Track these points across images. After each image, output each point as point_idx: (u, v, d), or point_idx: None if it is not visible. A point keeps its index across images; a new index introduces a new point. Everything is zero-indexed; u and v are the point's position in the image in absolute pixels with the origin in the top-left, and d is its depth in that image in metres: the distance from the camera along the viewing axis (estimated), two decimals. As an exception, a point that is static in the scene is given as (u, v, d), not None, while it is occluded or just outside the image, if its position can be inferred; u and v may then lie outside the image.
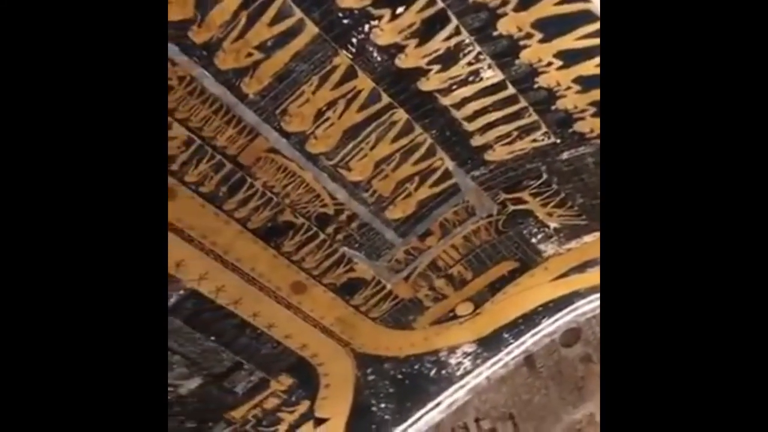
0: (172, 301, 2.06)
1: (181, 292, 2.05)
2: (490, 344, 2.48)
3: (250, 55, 1.72)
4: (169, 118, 1.76)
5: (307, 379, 2.39)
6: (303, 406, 2.46)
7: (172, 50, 1.66)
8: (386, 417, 2.57)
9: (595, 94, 1.82)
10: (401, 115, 1.89)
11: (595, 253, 2.21)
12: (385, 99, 1.85)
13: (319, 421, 2.51)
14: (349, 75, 1.79)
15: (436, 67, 1.79)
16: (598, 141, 1.91)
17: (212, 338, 2.18)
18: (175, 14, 1.62)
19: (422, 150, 1.97)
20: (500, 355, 2.47)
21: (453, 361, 2.51)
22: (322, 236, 2.07)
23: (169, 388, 2.25)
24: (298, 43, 1.72)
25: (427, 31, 1.73)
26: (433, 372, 2.53)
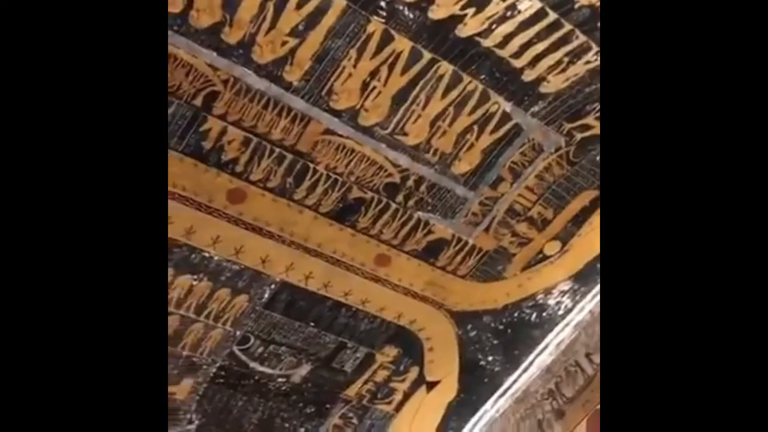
0: (266, 296, 2.13)
1: (273, 286, 2.11)
2: (585, 278, 2.43)
3: (284, 43, 1.72)
4: (223, 122, 1.80)
5: (410, 346, 2.43)
6: (413, 373, 2.50)
7: (210, 56, 1.69)
8: (496, 369, 2.58)
9: None
10: (446, 67, 1.85)
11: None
12: (427, 55, 1.82)
13: (432, 385, 2.55)
14: (386, 40, 1.77)
15: (470, 11, 1.74)
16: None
17: (311, 324, 2.24)
18: (205, 21, 1.65)
19: (475, 98, 1.92)
20: (598, 287, 2.41)
21: (552, 301, 2.48)
22: (393, 206, 2.07)
23: (282, 379, 2.35)
24: (328, 20, 1.71)
25: (453, -24, 1.69)
26: (533, 316, 2.50)
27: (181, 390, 2.23)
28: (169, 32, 1.63)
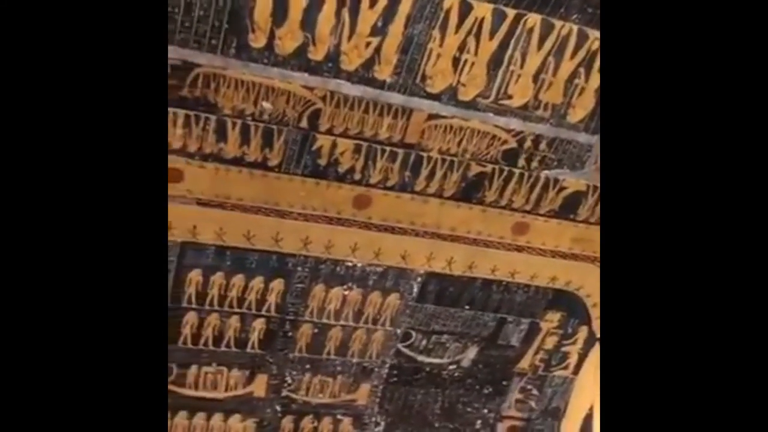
0: (415, 290, 2.17)
1: (418, 279, 2.14)
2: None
3: (368, 44, 1.74)
4: (331, 136, 1.86)
5: (573, 307, 2.35)
6: (582, 333, 2.42)
7: (303, 77, 1.75)
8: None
9: None
10: (534, 19, 1.77)
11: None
12: (510, 12, 1.75)
13: (605, 341, 2.46)
14: (465, 11, 1.73)
15: (542, -45, 1.66)
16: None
17: (466, 307, 2.24)
18: (289, 46, 1.70)
19: (572, 41, 1.83)
20: None
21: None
22: (517, 171, 2.02)
23: (452, 366, 2.37)
24: (404, 9, 1.71)
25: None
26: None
27: (360, 396, 2.32)
28: (261, 66, 1.71)
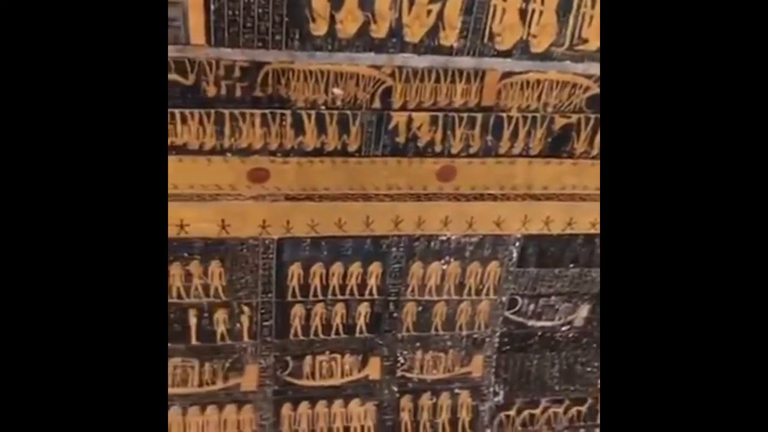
0: (514, 256, 2.12)
1: (516, 243, 2.09)
2: None
3: (429, 12, 1.70)
4: (405, 112, 1.84)
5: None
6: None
7: (369, 57, 1.73)
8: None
9: None
10: (600, -47, 1.68)
11: None
12: (573, -49, 1.67)
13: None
14: (524, -42, 1.66)
15: None
16: None
17: (571, 266, 2.17)
18: (351, 28, 1.69)
19: (645, -32, 1.71)
20: None
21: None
22: (604, 117, 1.93)
23: (565, 327, 2.30)
24: (460, -31, 1.66)
25: None
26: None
27: (475, 367, 2.30)
28: (326, 53, 1.71)
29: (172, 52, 1.64)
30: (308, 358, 2.15)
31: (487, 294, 2.18)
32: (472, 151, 1.92)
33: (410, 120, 1.85)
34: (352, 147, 1.86)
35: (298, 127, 1.81)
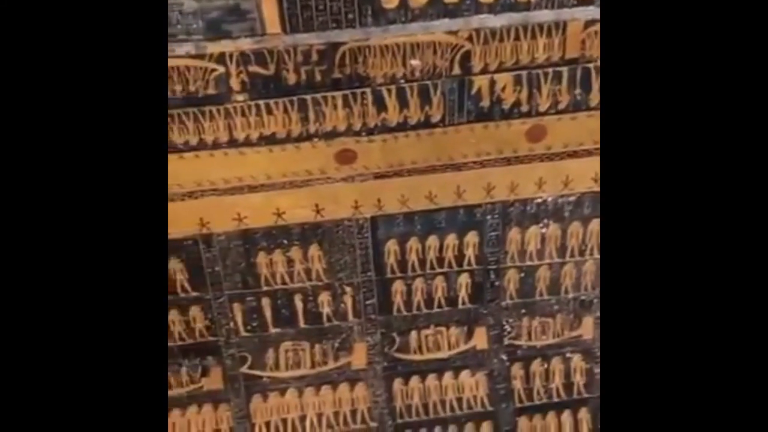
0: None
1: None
2: None
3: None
4: (487, 75, 1.79)
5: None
6: None
7: (443, 23, 1.70)
8: None
9: None
10: None
11: None
12: None
13: None
14: None
15: None
16: None
17: (679, 216, 2.06)
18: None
19: None
20: None
21: None
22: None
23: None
24: None
25: None
26: None
27: (585, 330, 2.23)
28: (400, 25, 1.69)
29: (250, 44, 1.67)
30: (413, 333, 2.16)
31: (591, 254, 2.10)
32: (560, 107, 1.85)
33: (493, 82, 1.80)
34: (436, 117, 1.84)
35: (380, 104, 1.80)
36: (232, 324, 2.05)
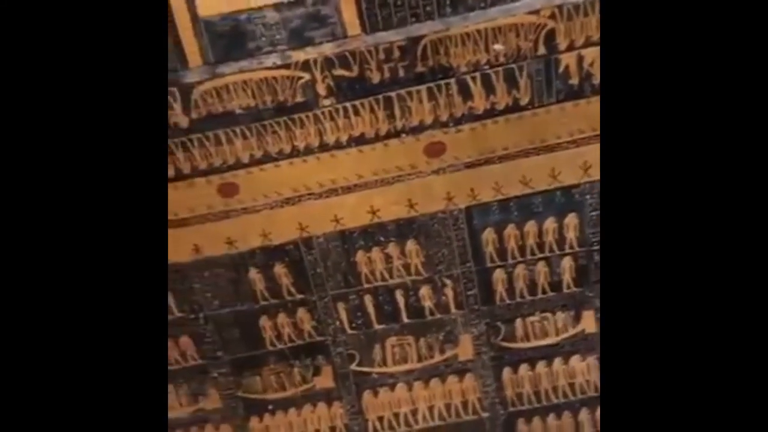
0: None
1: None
2: None
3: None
4: (573, 52, 1.73)
5: None
6: None
7: (524, 4, 1.66)
8: None
9: None
10: None
11: None
12: None
13: None
14: None
15: None
16: None
17: None
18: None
19: None
20: None
21: None
22: None
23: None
24: None
25: None
26: None
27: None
28: (480, 11, 1.67)
29: (333, 48, 1.70)
30: (518, 321, 2.13)
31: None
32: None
33: (581, 58, 1.74)
34: (524, 100, 1.80)
35: (465, 93, 1.79)
36: (338, 323, 2.09)
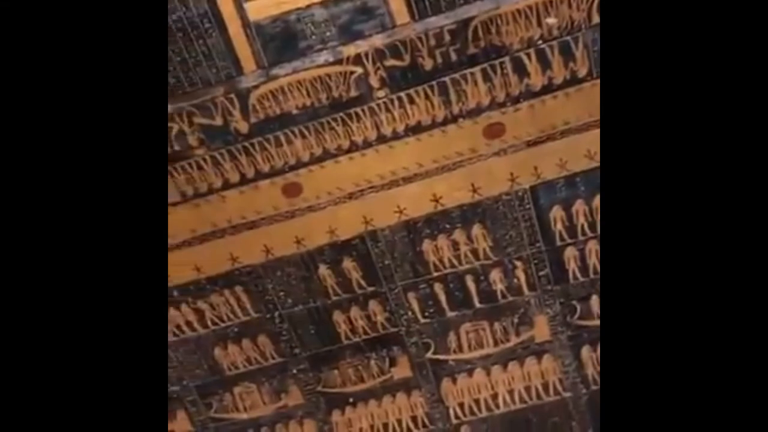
0: None
1: None
2: None
3: None
4: (631, 17, 1.67)
5: None
6: None
7: (575, -26, 1.62)
8: None
9: None
10: None
11: None
12: None
13: None
14: None
15: None
16: None
17: None
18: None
19: None
20: None
21: None
22: None
23: None
24: None
25: None
26: None
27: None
28: (529, -14, 1.64)
29: (383, 39, 1.70)
30: (594, 298, 2.08)
31: None
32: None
33: (638, 23, 1.68)
34: (582, 72, 1.75)
35: (521, 71, 1.75)
36: (410, 313, 2.10)
